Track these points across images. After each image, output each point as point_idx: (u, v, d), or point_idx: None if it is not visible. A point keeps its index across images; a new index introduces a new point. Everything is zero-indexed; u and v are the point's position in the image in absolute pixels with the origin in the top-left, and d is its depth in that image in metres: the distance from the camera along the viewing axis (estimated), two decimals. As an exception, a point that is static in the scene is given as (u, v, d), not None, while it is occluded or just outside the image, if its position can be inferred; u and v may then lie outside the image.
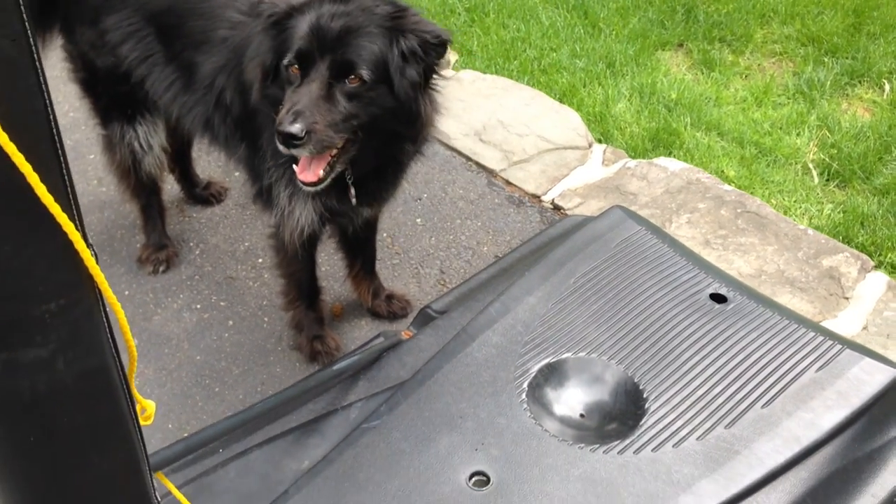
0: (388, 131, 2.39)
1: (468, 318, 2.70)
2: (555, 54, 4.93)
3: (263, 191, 2.64)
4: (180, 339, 3.02)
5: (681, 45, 5.16)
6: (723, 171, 4.00)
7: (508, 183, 3.75)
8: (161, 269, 3.29)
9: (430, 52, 2.32)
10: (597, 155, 3.86)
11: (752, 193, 3.82)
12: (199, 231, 3.45)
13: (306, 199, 2.53)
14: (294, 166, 2.34)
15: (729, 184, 3.90)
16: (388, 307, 3.13)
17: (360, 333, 3.08)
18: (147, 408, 1.34)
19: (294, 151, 2.21)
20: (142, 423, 1.35)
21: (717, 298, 2.66)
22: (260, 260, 3.35)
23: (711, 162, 4.05)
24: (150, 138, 2.98)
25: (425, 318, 2.85)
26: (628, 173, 3.72)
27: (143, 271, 3.29)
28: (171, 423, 2.74)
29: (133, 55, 2.72)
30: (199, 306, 3.15)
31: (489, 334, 2.59)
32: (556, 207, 3.62)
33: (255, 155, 2.61)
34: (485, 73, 4.69)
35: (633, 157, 4.11)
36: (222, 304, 3.16)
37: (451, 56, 4.59)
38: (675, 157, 4.14)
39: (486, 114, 4.07)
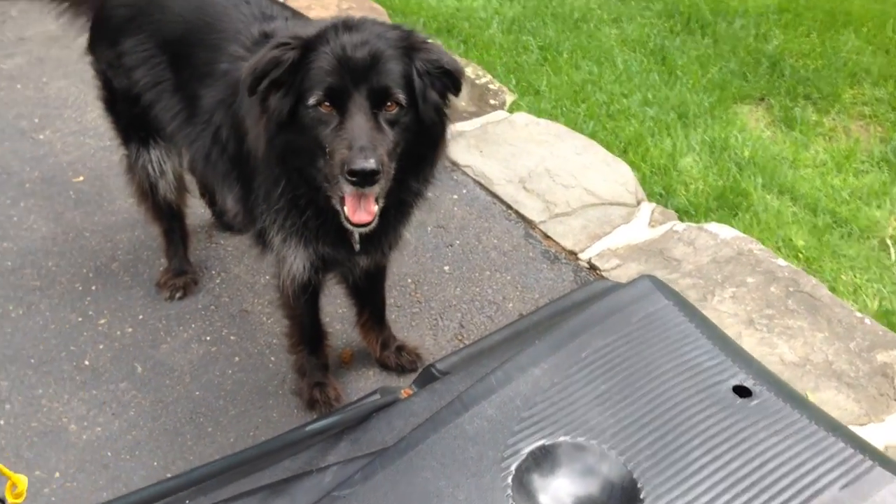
0: (413, 161, 2.28)
1: (468, 384, 2.54)
2: (625, 100, 4.75)
3: (258, 233, 2.54)
4: (183, 372, 2.95)
5: (762, 100, 4.91)
6: (790, 240, 3.74)
7: (546, 236, 3.57)
8: (177, 295, 3.24)
9: (447, 79, 2.23)
10: (644, 214, 3.64)
11: (820, 266, 3.54)
12: (222, 259, 3.39)
13: (297, 246, 2.42)
14: (296, 218, 2.28)
15: (796, 255, 3.64)
16: (396, 359, 3.00)
17: (365, 384, 2.95)
18: (18, 484, 1.24)
19: (368, 189, 2.08)
20: (13, 500, 1.24)
21: (741, 392, 2.42)
22: (278, 295, 3.27)
23: (780, 228, 3.79)
24: (163, 163, 2.96)
25: (427, 377, 2.70)
26: (675, 237, 3.50)
27: (161, 296, 3.24)
28: (157, 460, 2.66)
29: (145, 80, 2.70)
30: (208, 338, 3.08)
31: (485, 405, 2.42)
32: (592, 267, 3.42)
33: (249, 197, 2.51)
34: (551, 113, 4.54)
35: (694, 217, 3.89)
36: (232, 338, 3.09)
37: (509, 96, 4.45)
38: (740, 219, 3.89)
39: (534, 161, 3.91)
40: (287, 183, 2.32)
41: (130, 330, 3.08)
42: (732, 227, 3.78)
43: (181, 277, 3.27)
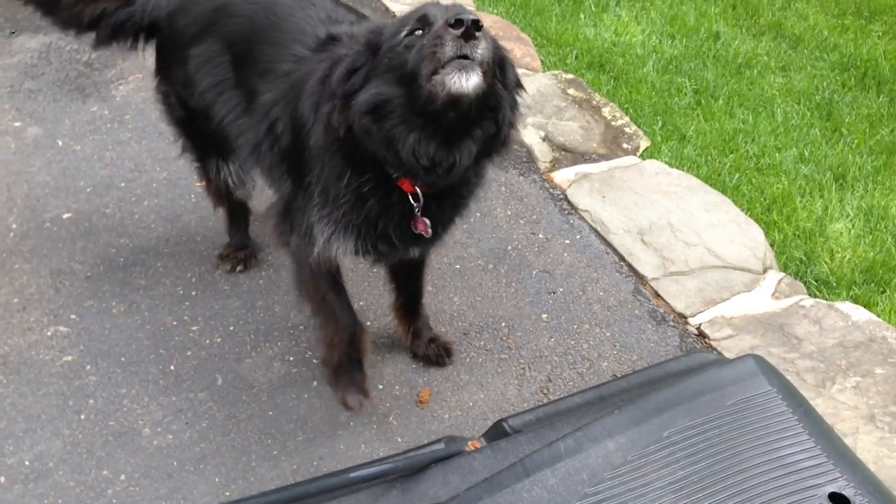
0: (489, 122, 2.18)
1: (536, 447, 2.37)
2: (778, 154, 4.43)
3: (306, 229, 2.50)
4: (261, 389, 2.93)
5: (937, 171, 4.44)
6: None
7: (657, 294, 3.34)
8: (238, 268, 3.39)
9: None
10: (769, 283, 3.34)
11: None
12: (321, 280, 3.37)
13: (349, 237, 2.41)
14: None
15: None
16: (425, 350, 3.04)
17: (437, 427, 2.84)
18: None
19: (471, 47, 1.96)
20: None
21: (838, 500, 2.12)
22: (368, 323, 3.20)
23: (935, 312, 3.40)
24: (242, 175, 3.05)
25: (498, 432, 2.54)
26: (800, 313, 3.18)
27: (223, 268, 3.39)
28: (219, 477, 2.65)
29: (206, 81, 2.74)
30: (291, 358, 3.06)
31: (547, 474, 2.24)
32: (702, 335, 3.16)
33: (299, 192, 2.50)
34: (695, 160, 4.29)
35: (835, 289, 3.55)
36: (314, 361, 3.05)
37: (644, 141, 4.23)
38: (888, 298, 3.51)
39: (657, 212, 3.68)
40: (353, 173, 2.28)
41: (219, 340, 3.10)
42: (877, 304, 3.41)
43: (242, 251, 3.41)
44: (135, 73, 4.47)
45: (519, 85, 2.29)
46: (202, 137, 2.98)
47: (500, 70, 2.18)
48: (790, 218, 3.95)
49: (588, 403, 2.63)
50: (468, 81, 1.99)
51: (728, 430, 2.33)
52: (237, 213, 3.38)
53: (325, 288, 2.69)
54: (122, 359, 3.02)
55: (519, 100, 2.29)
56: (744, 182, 4.18)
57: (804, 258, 3.76)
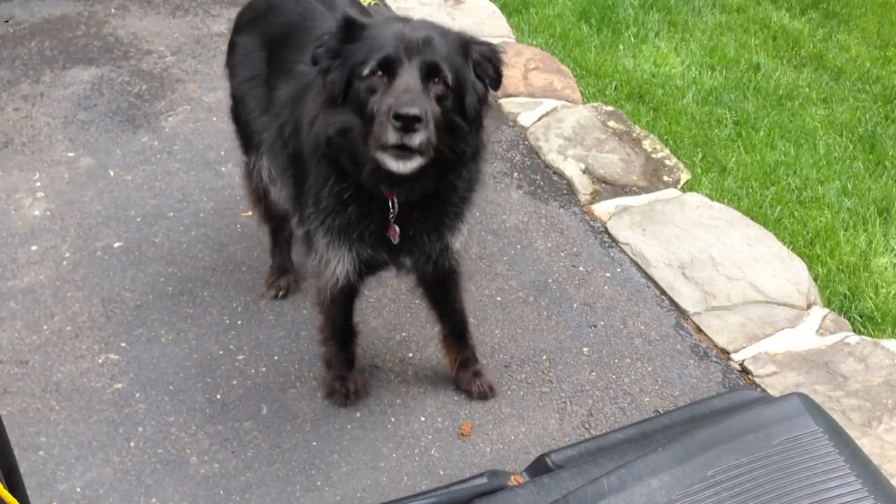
0: (453, 148, 2.37)
1: (578, 483, 2.38)
2: (821, 187, 4.40)
3: (305, 235, 2.71)
4: (305, 419, 2.98)
5: (982, 203, 4.39)
6: None
7: (699, 329, 3.33)
8: (280, 294, 3.47)
9: (490, 63, 2.40)
10: (813, 319, 3.32)
11: None
12: (364, 311, 3.41)
13: (340, 249, 2.57)
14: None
15: None
16: (468, 385, 3.07)
17: (479, 461, 2.85)
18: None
19: (409, 138, 2.17)
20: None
21: (886, 545, 2.11)
22: (410, 354, 3.24)
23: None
24: (273, 172, 3.11)
25: (540, 467, 2.55)
26: (845, 350, 3.15)
27: (268, 296, 3.47)
28: (264, 506, 2.70)
29: (243, 73, 2.95)
30: (335, 389, 3.10)
31: (590, 512, 2.26)
32: (745, 371, 3.14)
33: (300, 196, 2.69)
34: (735, 192, 4.28)
35: (879, 325, 3.51)
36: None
37: (684, 174, 4.23)
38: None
39: (699, 246, 3.68)
40: (335, 179, 2.47)
41: (264, 370, 3.16)
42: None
43: (284, 277, 3.50)
44: (183, 104, 4.59)
45: (483, 101, 2.43)
46: (246, 129, 3.13)
47: (457, 102, 2.34)
48: (833, 252, 3.92)
49: (631, 440, 2.63)
50: (405, 166, 2.25)
51: (774, 470, 2.32)
52: (280, 232, 3.47)
53: (335, 310, 2.91)
54: (171, 387, 3.08)
55: (485, 118, 2.47)
56: (786, 215, 4.16)
57: (848, 293, 3.73)
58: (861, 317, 3.57)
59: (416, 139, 2.18)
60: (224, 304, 3.43)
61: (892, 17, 6.17)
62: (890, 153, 4.70)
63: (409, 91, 2.19)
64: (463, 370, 3.07)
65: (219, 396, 3.06)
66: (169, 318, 3.36)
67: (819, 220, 4.12)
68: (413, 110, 2.13)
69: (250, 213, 3.55)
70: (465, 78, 2.34)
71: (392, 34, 2.27)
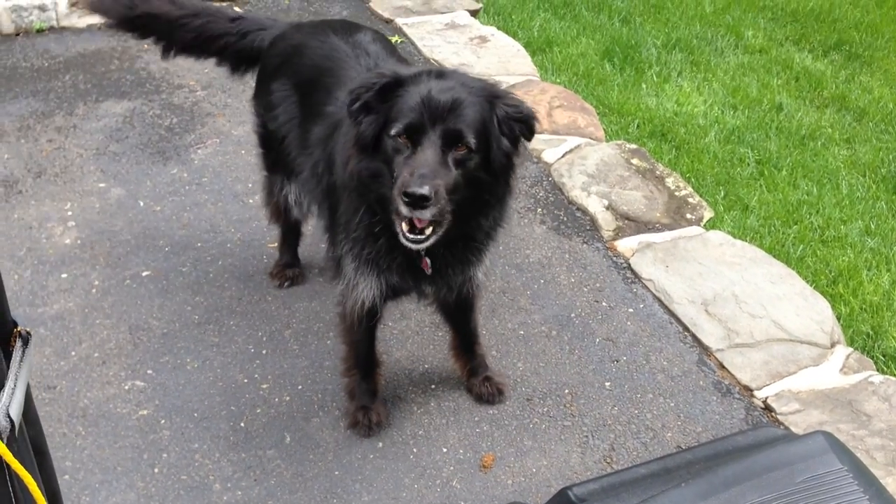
0: (477, 199, 2.49)
1: (601, 518, 2.38)
2: (843, 227, 4.40)
3: (334, 260, 2.83)
4: (327, 449, 2.99)
5: None
6: None
7: (721, 366, 3.33)
8: (286, 284, 3.72)
9: (521, 124, 2.46)
10: (837, 358, 3.30)
11: None
12: (387, 342, 3.44)
13: (369, 275, 2.69)
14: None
15: None
16: (479, 389, 3.20)
17: (501, 493, 2.84)
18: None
19: (419, 213, 2.31)
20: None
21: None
22: (433, 386, 3.26)
23: None
24: (301, 196, 3.33)
25: (563, 501, 2.55)
26: (869, 389, 3.14)
27: (272, 285, 3.70)
28: (285, 534, 2.70)
29: (282, 116, 3.12)
30: (358, 419, 3.12)
31: (614, 546, 2.26)
32: (768, 408, 3.13)
33: (334, 227, 2.85)
34: (758, 230, 4.30)
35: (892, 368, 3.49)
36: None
37: (707, 212, 4.25)
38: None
39: (722, 283, 3.68)
40: (365, 211, 2.59)
41: (288, 398, 3.18)
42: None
43: (291, 269, 3.75)
44: (212, 137, 4.68)
45: (512, 155, 2.49)
46: (275, 154, 3.32)
47: (482, 160, 2.42)
48: (856, 291, 3.92)
49: (653, 475, 2.63)
50: (417, 244, 2.42)
51: (797, 508, 2.31)
52: (290, 234, 3.72)
53: (360, 335, 3.00)
54: (195, 414, 3.11)
55: (515, 168, 2.55)
56: (808, 254, 4.17)
57: (871, 332, 3.72)
58: (884, 356, 3.55)
59: (427, 213, 2.31)
60: (249, 333, 3.47)
61: (914, 59, 6.20)
62: (913, 193, 4.70)
63: (424, 165, 2.30)
64: (473, 377, 3.22)
65: (243, 424, 3.08)
66: (195, 347, 3.40)
67: (842, 259, 4.12)
68: (421, 190, 2.24)
69: (266, 214, 3.70)
70: (490, 136, 2.42)
71: (419, 97, 2.35)
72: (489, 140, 2.41)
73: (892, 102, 5.64)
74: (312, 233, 3.82)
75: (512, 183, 2.58)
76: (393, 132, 2.37)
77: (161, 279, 3.73)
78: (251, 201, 4.21)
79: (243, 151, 4.58)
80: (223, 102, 5.02)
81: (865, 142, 5.22)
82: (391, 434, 3.06)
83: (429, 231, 2.40)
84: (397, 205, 2.32)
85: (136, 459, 2.94)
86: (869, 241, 4.29)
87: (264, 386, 3.24)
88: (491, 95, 2.44)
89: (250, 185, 4.30)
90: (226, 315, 3.56)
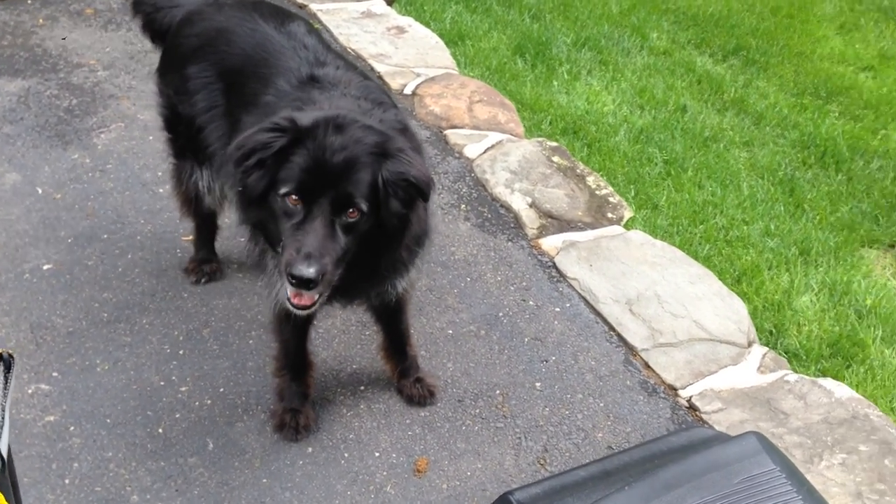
0: (374, 254, 2.46)
1: (546, 524, 2.36)
2: (746, 227, 4.54)
3: (257, 254, 2.73)
4: (254, 455, 2.86)
5: (892, 247, 4.62)
6: (908, 404, 3.43)
7: (647, 365, 3.38)
8: (203, 280, 3.56)
9: (411, 188, 2.35)
10: (754, 357, 3.41)
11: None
12: (312, 341, 3.26)
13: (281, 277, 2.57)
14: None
15: (912, 421, 3.33)
16: (410, 390, 3.14)
17: (436, 498, 2.79)
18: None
19: (305, 293, 2.29)
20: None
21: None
22: (362, 387, 3.17)
23: (896, 388, 3.50)
24: (212, 182, 3.19)
25: (505, 506, 2.53)
26: (785, 388, 3.25)
27: (188, 280, 3.53)
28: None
29: (202, 104, 2.95)
30: (285, 423, 3.00)
31: (562, 552, 2.24)
32: (692, 407, 3.20)
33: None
34: (667, 230, 4.38)
35: (804, 362, 3.63)
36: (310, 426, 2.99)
37: (627, 212, 4.31)
38: (853, 371, 3.61)
39: (644, 283, 3.74)
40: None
41: (209, 402, 3.03)
42: (844, 379, 3.50)
43: (208, 264, 3.60)
44: (117, 121, 4.41)
45: (403, 218, 2.41)
46: (184, 139, 3.15)
47: (375, 221, 2.34)
48: (759, 290, 4.05)
49: (594, 477, 2.63)
50: (303, 310, 2.38)
51: (736, 509, 2.36)
52: (205, 226, 3.55)
53: (288, 334, 2.92)
54: (108, 420, 2.92)
55: (411, 226, 2.48)
56: (714, 253, 4.29)
57: (774, 330, 3.86)
58: (786, 353, 3.68)
59: (314, 294, 2.31)
60: (165, 332, 3.28)
61: (806, 66, 6.47)
62: (808, 197, 4.90)
63: (312, 240, 2.23)
64: (404, 378, 3.16)
65: (161, 430, 2.91)
66: (105, 347, 3.19)
67: (745, 258, 4.26)
68: (308, 273, 2.20)
69: (177, 204, 3.47)
70: (379, 194, 2.32)
71: (312, 159, 2.26)
72: (381, 202, 2.32)
73: (786, 108, 5.86)
74: (230, 225, 3.66)
75: (412, 228, 2.49)
76: (283, 191, 2.29)
77: (64, 273, 3.48)
78: (161, 191, 3.99)
79: (151, 137, 4.32)
80: (127, 84, 4.73)
81: (763, 145, 5.42)
82: (321, 438, 2.96)
83: (315, 297, 2.35)
84: (283, 276, 2.27)
85: (44, 470, 2.73)
86: (769, 241, 4.45)
87: (183, 389, 3.07)
88: (382, 154, 2.31)
89: (160, 174, 4.07)
90: (138, 313, 3.36)
